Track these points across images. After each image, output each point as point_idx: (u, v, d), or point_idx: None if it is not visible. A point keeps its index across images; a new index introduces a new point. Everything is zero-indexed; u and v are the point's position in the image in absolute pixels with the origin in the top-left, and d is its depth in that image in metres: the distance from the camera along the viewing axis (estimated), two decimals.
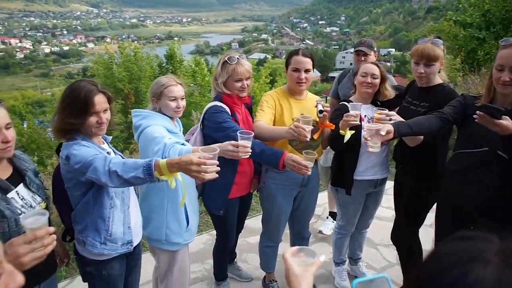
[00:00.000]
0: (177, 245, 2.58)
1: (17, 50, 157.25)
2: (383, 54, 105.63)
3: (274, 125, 2.80)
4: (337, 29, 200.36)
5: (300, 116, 2.48)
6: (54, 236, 1.36)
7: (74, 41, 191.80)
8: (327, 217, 4.35)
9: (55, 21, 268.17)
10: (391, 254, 3.79)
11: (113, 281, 2.25)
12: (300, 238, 3.26)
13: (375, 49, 3.73)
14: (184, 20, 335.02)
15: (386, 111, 2.49)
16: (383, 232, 4.10)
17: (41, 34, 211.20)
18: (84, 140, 2.05)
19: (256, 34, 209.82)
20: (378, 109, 2.46)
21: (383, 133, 2.32)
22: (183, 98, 2.54)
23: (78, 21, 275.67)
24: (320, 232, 4.13)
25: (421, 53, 2.61)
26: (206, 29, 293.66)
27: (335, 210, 4.11)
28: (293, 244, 3.34)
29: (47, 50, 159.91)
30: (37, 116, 21.65)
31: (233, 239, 3.19)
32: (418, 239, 3.03)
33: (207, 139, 2.73)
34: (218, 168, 1.78)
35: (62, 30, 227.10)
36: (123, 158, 2.35)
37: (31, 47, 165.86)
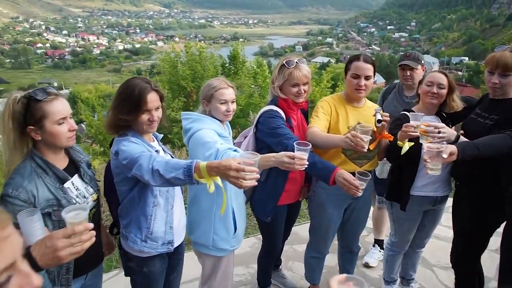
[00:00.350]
0: (224, 251, 2.54)
1: (94, 46, 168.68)
2: (454, 62, 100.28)
3: (328, 132, 2.69)
4: (406, 34, 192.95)
5: (359, 126, 2.35)
6: (93, 232, 1.36)
7: (146, 39, 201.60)
8: (373, 245, 3.99)
9: (130, 19, 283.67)
10: (449, 278, 3.52)
11: (153, 278, 2.27)
12: (348, 251, 3.12)
13: (423, 62, 3.41)
14: (250, 21, 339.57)
15: (435, 123, 2.30)
16: (441, 253, 3.83)
17: (116, 32, 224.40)
18: (134, 136, 2.08)
19: (321, 38, 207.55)
20: (426, 120, 2.29)
21: (445, 155, 2.14)
22: (233, 102, 2.49)
23: (151, 20, 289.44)
24: (366, 264, 3.77)
25: (497, 61, 2.38)
26: (271, 31, 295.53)
27: (382, 238, 3.89)
28: (341, 256, 3.21)
29: (121, 47, 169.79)
30: (107, 109, 23.00)
31: (279, 246, 3.12)
32: (480, 265, 2.77)
33: (260, 143, 2.68)
34: (258, 176, 1.71)
35: (135, 29, 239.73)
36: (172, 157, 2.37)
37: (107, 44, 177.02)
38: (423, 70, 3.40)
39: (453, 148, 2.16)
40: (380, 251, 3.83)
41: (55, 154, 1.90)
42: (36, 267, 1.30)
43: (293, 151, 2.07)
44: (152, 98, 2.05)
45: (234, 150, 2.15)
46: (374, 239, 3.97)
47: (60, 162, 1.94)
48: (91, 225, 1.35)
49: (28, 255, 1.30)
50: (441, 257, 3.80)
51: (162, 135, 2.42)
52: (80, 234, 1.32)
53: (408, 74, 3.35)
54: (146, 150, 2.02)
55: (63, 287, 1.91)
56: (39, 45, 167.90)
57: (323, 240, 2.98)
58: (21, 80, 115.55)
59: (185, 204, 2.58)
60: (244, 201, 2.73)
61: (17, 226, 1.53)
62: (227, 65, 19.06)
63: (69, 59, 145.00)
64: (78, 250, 1.32)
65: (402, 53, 3.63)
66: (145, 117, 2.05)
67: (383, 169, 3.34)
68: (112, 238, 2.47)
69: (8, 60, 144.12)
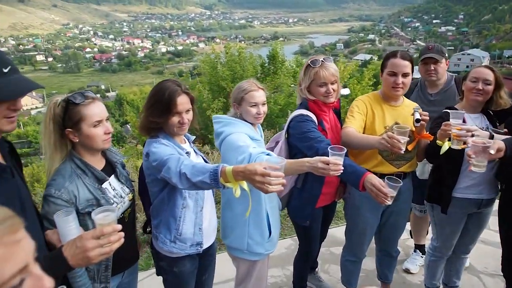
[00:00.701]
0: (258, 255, 2.51)
1: (139, 49, 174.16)
2: (507, 56, 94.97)
3: (364, 132, 2.60)
4: (453, 28, 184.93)
5: (395, 126, 2.25)
6: (122, 234, 1.37)
7: (188, 41, 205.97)
8: (414, 251, 3.75)
9: (172, 22, 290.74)
10: (497, 286, 3.31)
11: (183, 278, 2.28)
12: (387, 255, 3.00)
13: (446, 54, 3.16)
14: (290, 20, 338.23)
15: (467, 126, 2.15)
16: (489, 259, 3.61)
17: (159, 34, 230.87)
18: (165, 138, 2.10)
19: (362, 35, 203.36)
20: (456, 122, 2.14)
21: (492, 151, 1.99)
22: (264, 104, 2.44)
23: (192, 23, 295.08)
24: (407, 270, 3.58)
25: None
26: (311, 29, 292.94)
27: (422, 243, 3.72)
28: (379, 260, 3.10)
29: (164, 50, 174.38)
30: None
31: (316, 249, 3.05)
32: None
33: (293, 149, 2.62)
34: (284, 181, 1.65)
35: (177, 31, 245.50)
36: (204, 159, 2.38)
37: (151, 47, 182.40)
38: (446, 64, 3.18)
39: (501, 144, 2.01)
40: (421, 256, 3.66)
41: (92, 155, 1.95)
42: (67, 266, 1.33)
43: (325, 155, 2.01)
44: (182, 101, 2.05)
45: (267, 154, 2.11)
46: (415, 244, 3.78)
47: (98, 163, 1.99)
48: (119, 227, 1.37)
49: (60, 254, 1.34)
50: (488, 263, 3.58)
51: (194, 137, 2.42)
52: (109, 235, 1.34)
53: (432, 68, 3.11)
54: (176, 152, 2.02)
55: (102, 284, 1.96)
56: (88, 49, 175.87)
57: (359, 243, 2.88)
58: (71, 83, 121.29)
59: (219, 206, 2.58)
60: (278, 204, 2.66)
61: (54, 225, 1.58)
62: (266, 65, 19.05)
63: (115, 62, 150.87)
64: (107, 250, 1.34)
65: (450, 48, 3.41)
66: (175, 119, 2.06)
67: (423, 169, 3.19)
68: (138, 238, 2.50)
69: (59, 65, 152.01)
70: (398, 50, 2.60)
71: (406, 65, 2.49)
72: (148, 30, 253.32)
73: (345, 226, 2.99)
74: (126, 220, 2.06)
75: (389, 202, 2.07)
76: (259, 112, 2.41)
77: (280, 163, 1.69)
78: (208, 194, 2.30)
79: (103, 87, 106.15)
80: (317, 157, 1.92)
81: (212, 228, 2.37)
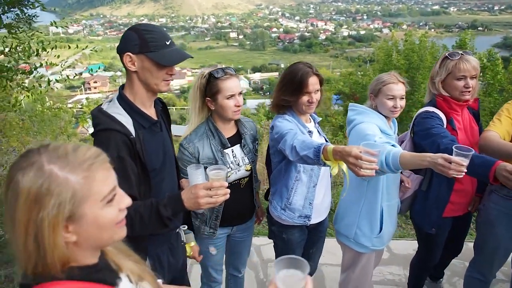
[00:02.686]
0: (364, 248, 2.50)
1: (321, 32, 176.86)
2: None
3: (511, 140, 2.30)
4: None
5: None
6: (228, 190, 1.63)
7: (371, 26, 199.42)
8: None
9: (358, 6, 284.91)
10: None
11: (291, 245, 2.47)
12: None
13: None
14: (496, 7, 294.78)
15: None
16: None
17: (343, 18, 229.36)
18: (291, 116, 2.28)
19: None
20: None
21: None
22: (402, 98, 2.36)
23: (379, 7, 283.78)
24: None
25: None
26: None
27: None
28: None
29: (345, 34, 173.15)
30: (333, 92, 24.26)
31: (437, 258, 2.83)
32: None
33: (417, 148, 2.48)
34: (376, 167, 1.65)
35: (362, 15, 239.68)
36: (326, 140, 2.47)
37: (333, 30, 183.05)
38: None
39: None
40: None
41: (224, 123, 2.28)
42: (182, 206, 1.63)
43: (447, 151, 1.88)
44: (313, 81, 2.21)
45: (393, 145, 2.08)
46: None
47: (228, 131, 2.31)
48: (226, 184, 1.62)
49: (179, 196, 1.64)
50: None
51: (320, 118, 2.54)
52: (217, 189, 1.59)
53: None
54: (297, 128, 2.19)
55: (211, 229, 2.35)
56: (274, 29, 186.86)
57: (487, 262, 2.58)
58: (256, 60, 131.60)
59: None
60: (397, 204, 2.58)
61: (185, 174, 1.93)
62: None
63: (297, 43, 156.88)
64: (213, 201, 1.61)
65: None
66: (305, 98, 2.24)
67: None
68: (262, 207, 2.76)
69: (248, 42, 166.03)
70: None
71: None
72: (333, 13, 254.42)
73: None
74: (242, 186, 2.34)
75: None
76: (396, 106, 2.35)
77: (376, 149, 1.69)
78: (325, 174, 2.40)
79: (282, 65, 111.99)
80: (439, 153, 1.81)
81: (325, 207, 2.48)
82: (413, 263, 2.99)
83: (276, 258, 2.56)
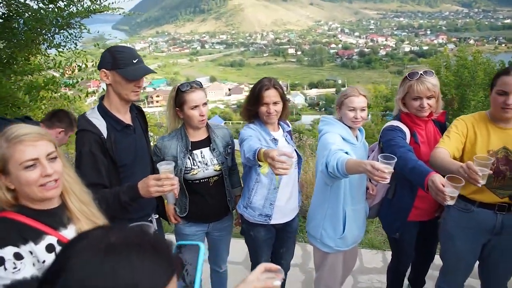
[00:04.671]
0: (328, 248, 2.69)
1: (381, 47, 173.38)
2: None
3: (462, 155, 2.42)
4: None
5: (475, 157, 2.08)
6: (174, 182, 1.93)
7: (435, 41, 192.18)
8: None
9: (422, 21, 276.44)
10: None
11: (258, 242, 2.74)
12: None
13: None
14: None
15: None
16: None
17: (405, 33, 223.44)
18: (257, 124, 2.61)
19: None
20: None
21: None
22: (363, 110, 2.55)
23: (444, 21, 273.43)
24: None
25: None
26: None
27: None
28: None
29: (407, 49, 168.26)
30: (377, 109, 24.19)
31: (407, 263, 2.96)
32: None
33: None
34: (289, 170, 1.93)
35: (426, 30, 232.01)
36: (295, 150, 2.73)
37: (393, 46, 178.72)
38: None
39: None
40: None
41: (193, 129, 2.61)
42: (137, 193, 1.98)
43: (402, 159, 2.13)
44: (270, 94, 2.52)
45: (346, 152, 2.32)
46: None
47: (199, 135, 2.63)
48: (171, 176, 1.94)
49: (135, 185, 1.99)
50: None
51: (290, 129, 2.81)
52: (164, 180, 1.92)
53: None
54: (259, 135, 2.51)
55: (182, 212, 2.68)
56: (333, 45, 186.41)
57: (451, 273, 2.66)
58: (313, 76, 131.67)
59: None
60: (364, 208, 2.76)
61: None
62: None
63: (356, 59, 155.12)
64: (160, 190, 1.93)
65: None
66: (263, 109, 2.55)
67: None
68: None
69: (306, 58, 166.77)
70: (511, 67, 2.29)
71: None
72: (394, 28, 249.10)
73: None
74: (211, 184, 2.64)
75: (450, 202, 1.97)
76: (356, 117, 2.55)
77: (291, 155, 1.96)
78: (290, 179, 2.65)
79: (339, 81, 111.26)
80: (370, 161, 2.03)
81: (290, 209, 2.73)
82: (388, 269, 3.13)
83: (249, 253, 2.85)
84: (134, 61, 2.11)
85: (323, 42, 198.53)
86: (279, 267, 1.22)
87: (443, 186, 1.94)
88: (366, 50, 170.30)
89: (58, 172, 1.46)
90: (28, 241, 1.38)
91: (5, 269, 1.29)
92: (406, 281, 3.24)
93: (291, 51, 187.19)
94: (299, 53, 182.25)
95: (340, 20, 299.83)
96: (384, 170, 1.94)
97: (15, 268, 1.31)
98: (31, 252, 1.37)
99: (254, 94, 2.56)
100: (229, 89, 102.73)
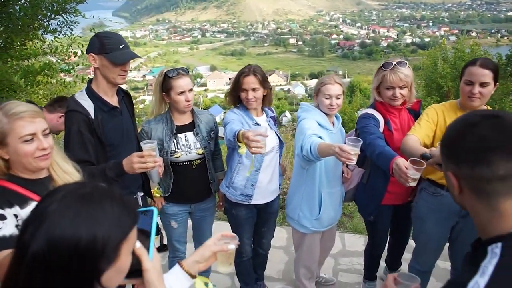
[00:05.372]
0: (305, 229, 2.85)
1: (383, 38, 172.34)
2: None
3: (433, 141, 2.55)
4: None
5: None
6: (156, 159, 2.10)
7: (437, 33, 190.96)
8: None
9: (424, 12, 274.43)
10: None
11: (239, 221, 2.90)
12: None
13: None
14: None
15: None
16: None
17: (407, 25, 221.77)
18: (240, 109, 2.74)
19: None
20: None
21: None
22: (338, 97, 2.68)
23: (447, 13, 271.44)
24: None
25: None
26: None
27: None
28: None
29: (408, 41, 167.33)
30: None
31: (381, 245, 3.10)
32: None
33: None
34: (262, 149, 2.08)
35: (428, 22, 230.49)
36: (277, 134, 2.86)
37: (395, 37, 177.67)
38: None
39: None
40: None
41: (179, 114, 2.73)
42: (122, 169, 2.12)
43: (371, 145, 2.28)
44: (248, 81, 2.65)
45: (319, 137, 2.47)
46: None
47: (183, 120, 2.76)
48: (152, 153, 2.08)
49: (120, 162, 2.13)
50: None
51: (274, 114, 2.93)
52: (146, 157, 2.06)
53: None
54: (241, 119, 2.65)
55: (165, 192, 2.82)
56: (334, 36, 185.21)
57: (423, 253, 2.80)
58: (314, 66, 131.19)
59: None
60: (340, 191, 2.90)
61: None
62: (503, 65, 16.60)
63: (357, 50, 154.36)
64: (143, 166, 2.07)
65: None
66: (243, 94, 2.69)
67: None
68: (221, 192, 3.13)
69: (307, 49, 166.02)
70: (480, 58, 2.42)
71: (484, 74, 2.32)
72: (396, 20, 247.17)
73: None
74: (194, 167, 2.77)
75: (412, 184, 2.12)
76: (332, 104, 2.69)
77: (265, 133, 2.12)
78: (269, 161, 2.79)
79: (340, 72, 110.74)
80: (338, 144, 2.18)
81: (270, 191, 2.87)
82: (364, 251, 3.28)
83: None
84: (121, 46, 2.23)
85: (325, 33, 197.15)
86: (234, 234, 1.40)
87: (407, 168, 2.08)
88: (367, 41, 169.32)
89: (50, 146, 1.64)
90: (14, 205, 1.53)
91: None
92: (383, 264, 3.41)
93: (292, 41, 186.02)
94: (300, 43, 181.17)
95: (342, 11, 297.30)
96: (350, 152, 2.08)
97: None
98: (16, 215, 1.52)
99: (235, 80, 2.69)
100: (229, 79, 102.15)
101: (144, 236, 1.15)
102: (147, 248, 1.13)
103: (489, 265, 0.95)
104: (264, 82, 2.71)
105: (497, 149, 0.98)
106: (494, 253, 0.96)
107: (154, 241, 1.20)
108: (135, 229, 0.96)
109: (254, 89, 2.67)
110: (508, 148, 0.97)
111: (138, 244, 1.09)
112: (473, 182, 1.03)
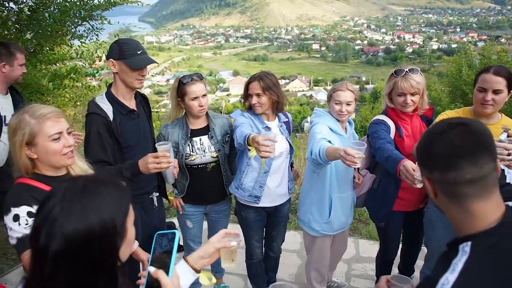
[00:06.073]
0: (315, 232, 2.91)
1: (408, 44, 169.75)
2: None
3: None
4: None
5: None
6: (170, 160, 2.18)
7: (465, 39, 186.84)
8: None
9: (451, 18, 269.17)
10: None
11: (248, 223, 2.96)
12: None
13: None
14: None
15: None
16: None
17: (434, 30, 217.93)
18: (251, 113, 2.82)
19: None
20: None
21: None
22: (349, 104, 2.73)
23: (475, 19, 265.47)
24: None
25: None
26: None
27: None
28: None
29: (435, 47, 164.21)
30: None
31: (393, 252, 3.11)
32: None
33: (371, 148, 2.83)
34: (271, 153, 2.14)
35: (455, 27, 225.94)
36: (288, 141, 2.92)
37: (421, 43, 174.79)
38: None
39: None
40: None
41: (194, 118, 2.83)
42: (138, 169, 2.22)
43: (380, 149, 2.34)
44: (252, 86, 2.74)
45: (328, 141, 2.53)
46: None
47: (198, 124, 2.86)
48: (166, 154, 2.17)
49: (136, 162, 2.23)
50: None
51: (287, 120, 2.99)
52: (161, 158, 2.16)
53: None
54: (251, 123, 2.73)
55: (180, 193, 2.93)
56: (358, 42, 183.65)
57: (434, 259, 2.81)
58: (337, 72, 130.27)
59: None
60: (351, 196, 2.94)
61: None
62: None
63: (381, 56, 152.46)
64: (158, 166, 2.17)
65: None
66: (250, 100, 2.77)
67: None
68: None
69: (330, 54, 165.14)
70: (494, 66, 2.42)
71: (498, 81, 2.33)
72: (422, 25, 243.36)
73: None
74: (208, 170, 2.86)
75: (419, 185, 2.16)
76: (342, 110, 2.74)
77: (273, 138, 2.19)
78: (278, 163, 2.85)
79: (363, 79, 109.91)
80: (344, 147, 2.23)
81: (279, 194, 2.93)
82: (376, 256, 3.29)
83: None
84: (139, 52, 2.34)
85: (348, 38, 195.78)
86: (237, 232, 1.48)
87: (414, 171, 2.12)
88: (392, 47, 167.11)
89: (74, 143, 1.79)
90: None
91: (19, 224, 1.57)
92: (396, 270, 3.40)
93: (315, 46, 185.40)
94: (323, 48, 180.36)
95: (366, 16, 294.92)
96: (354, 155, 2.14)
97: (26, 224, 1.58)
98: None
99: (244, 86, 2.80)
100: None
101: (166, 255, 1.26)
102: (168, 266, 1.23)
103: (459, 262, 1.02)
104: (268, 89, 2.73)
105: (463, 154, 1.06)
106: (464, 251, 1.04)
107: (175, 261, 1.27)
108: (131, 207, 1.11)
109: (258, 95, 2.75)
110: (472, 154, 1.05)
111: (152, 269, 1.21)
112: (445, 186, 1.11)
